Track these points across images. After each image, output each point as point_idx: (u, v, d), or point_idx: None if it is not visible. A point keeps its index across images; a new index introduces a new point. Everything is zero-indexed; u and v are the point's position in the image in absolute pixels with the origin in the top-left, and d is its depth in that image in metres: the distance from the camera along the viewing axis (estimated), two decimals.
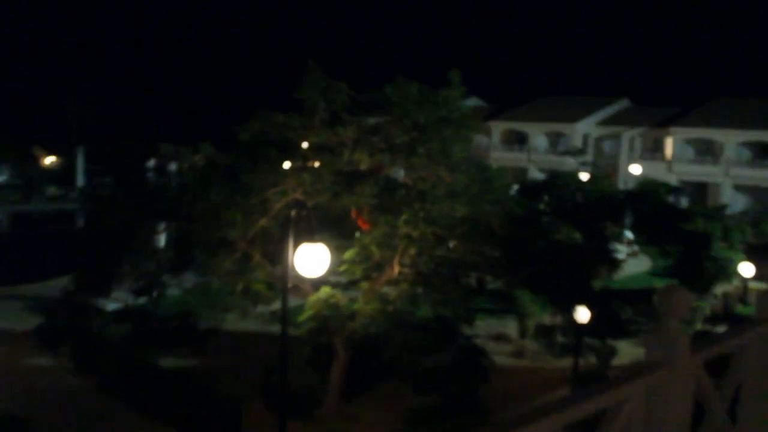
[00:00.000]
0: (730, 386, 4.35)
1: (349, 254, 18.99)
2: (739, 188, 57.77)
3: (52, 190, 63.67)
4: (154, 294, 27.63)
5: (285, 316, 13.96)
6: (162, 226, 26.35)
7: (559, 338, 25.75)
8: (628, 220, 32.80)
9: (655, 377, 3.48)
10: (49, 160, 74.83)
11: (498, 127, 67.69)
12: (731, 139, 57.85)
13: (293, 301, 16.76)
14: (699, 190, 57.24)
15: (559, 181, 33.31)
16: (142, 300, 28.22)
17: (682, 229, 31.12)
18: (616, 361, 23.47)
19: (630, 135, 63.55)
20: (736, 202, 55.65)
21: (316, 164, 19.31)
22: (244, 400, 19.37)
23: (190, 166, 22.63)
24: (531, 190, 34.28)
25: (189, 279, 27.14)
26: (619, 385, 3.30)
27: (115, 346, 23.66)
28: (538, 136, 67.42)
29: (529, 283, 25.32)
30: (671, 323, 3.63)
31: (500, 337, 27.38)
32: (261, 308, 22.89)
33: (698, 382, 3.82)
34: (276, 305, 21.50)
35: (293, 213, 15.49)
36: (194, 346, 24.41)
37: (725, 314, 29.69)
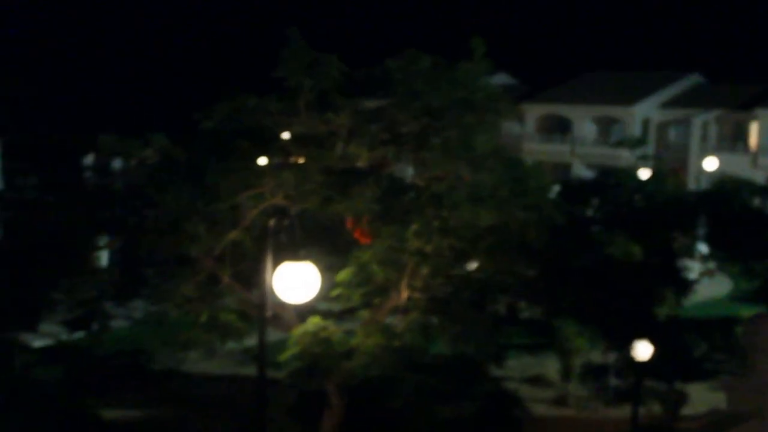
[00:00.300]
0: None
1: (344, 275, 19.05)
2: None
3: None
4: (94, 327, 27.60)
5: (262, 355, 13.99)
6: (104, 240, 26.37)
7: (613, 381, 25.74)
8: (701, 230, 32.77)
9: None
10: None
11: (534, 112, 67.80)
12: None
13: (273, 336, 16.75)
14: None
15: (612, 180, 33.32)
16: (78, 335, 28.21)
17: None
18: (687, 410, 23.47)
19: (703, 120, 63.52)
20: None
21: (301, 160, 19.34)
22: None
23: (139, 164, 22.69)
24: (576, 191, 34.25)
25: (139, 308, 27.12)
26: None
27: (43, 392, 23.64)
28: (584, 122, 67.47)
29: (575, 311, 25.33)
30: (761, 362, 3.65)
31: (537, 380, 27.46)
32: (231, 345, 22.89)
33: None
34: (251, 341, 21.45)
35: (272, 223, 15.52)
36: (146, 393, 24.43)
37: None
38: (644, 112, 65.53)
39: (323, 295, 16.65)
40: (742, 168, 54.58)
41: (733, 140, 61.92)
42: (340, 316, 20.83)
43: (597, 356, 27.23)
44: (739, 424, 22.25)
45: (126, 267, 24.05)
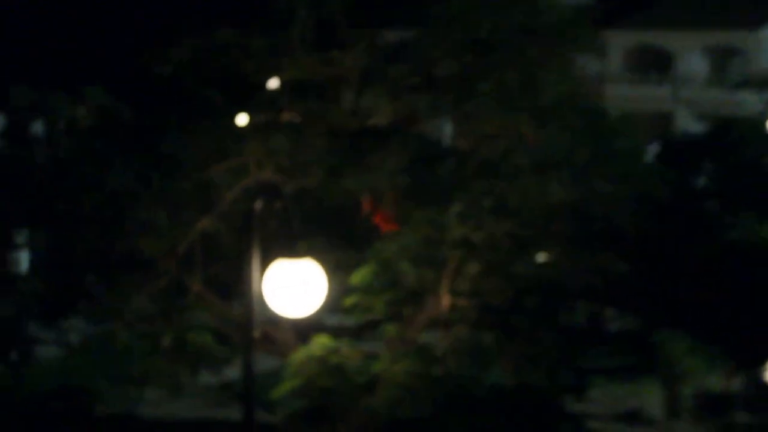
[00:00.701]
0: None
1: (361, 276, 19.12)
2: None
3: None
4: (13, 357, 27.76)
5: (250, 392, 13.97)
6: (22, 236, 26.46)
7: (741, 416, 25.72)
8: None
9: None
10: None
11: (620, 42, 67.52)
12: None
13: (264, 364, 16.76)
14: None
15: (732, 136, 33.14)
16: None
17: None
18: None
19: None
20: None
21: (297, 118, 19.35)
22: None
23: (69, 127, 22.71)
24: (682, 152, 34.12)
25: (75, 329, 27.24)
26: None
27: None
28: (691, 55, 67.20)
29: (684, 320, 25.29)
30: None
31: (633, 416, 27.40)
32: (205, 378, 22.96)
33: None
34: (232, 372, 21.54)
35: (258, 206, 15.51)
36: None
37: None
38: None
39: (333, 306, 16.67)
40: None
41: None
42: (357, 333, 20.83)
43: (717, 383, 27.14)
44: None
45: (55, 273, 24.11)
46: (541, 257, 19.85)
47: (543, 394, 21.23)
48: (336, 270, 15.93)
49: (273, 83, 19.98)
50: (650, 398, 27.83)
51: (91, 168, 20.02)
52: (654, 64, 68.68)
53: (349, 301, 19.23)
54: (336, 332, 19.71)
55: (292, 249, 12.79)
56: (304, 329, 18.87)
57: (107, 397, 25.66)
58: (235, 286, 17.62)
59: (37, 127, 40.09)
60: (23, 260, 28.10)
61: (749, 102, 54.92)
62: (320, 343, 18.91)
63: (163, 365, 20.42)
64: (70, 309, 25.03)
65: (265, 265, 13.03)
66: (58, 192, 21.48)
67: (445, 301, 19.20)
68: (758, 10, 65.66)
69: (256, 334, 14.44)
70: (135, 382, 22.80)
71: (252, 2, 19.77)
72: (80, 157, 20.95)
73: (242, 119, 19.54)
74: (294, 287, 12.58)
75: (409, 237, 18.97)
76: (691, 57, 67.56)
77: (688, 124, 60.27)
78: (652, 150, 34.37)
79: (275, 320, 16.78)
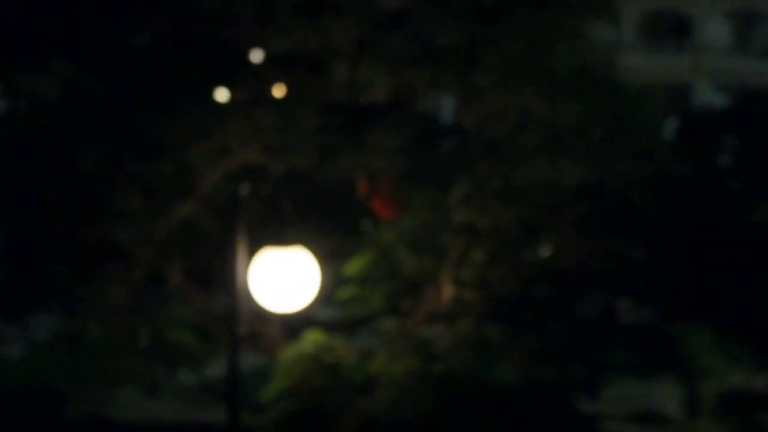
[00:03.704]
0: None
1: (356, 266, 19.23)
2: None
3: None
4: None
5: (234, 392, 14.10)
6: None
7: (766, 416, 25.84)
8: None
9: None
10: None
11: (635, 7, 67.61)
12: None
13: (251, 361, 16.88)
14: None
15: (759, 109, 33.22)
16: None
17: None
18: None
19: None
20: None
21: (284, 93, 19.41)
22: None
23: (31, 104, 22.72)
24: (703, 127, 34.20)
25: (41, 325, 27.32)
26: None
27: None
28: (711, 20, 67.31)
29: (706, 313, 25.39)
30: None
31: (649, 417, 27.52)
32: (186, 377, 23.05)
33: None
34: (215, 370, 21.66)
35: (243, 190, 15.63)
36: None
37: None
38: None
39: (326, 298, 16.76)
40: None
41: None
42: (353, 328, 20.93)
43: (741, 381, 27.28)
44: None
45: (18, 263, 24.15)
46: (552, 244, 19.95)
47: (553, 391, 21.38)
48: (329, 259, 15.99)
49: (258, 55, 20.03)
50: (668, 397, 27.93)
51: (58, 147, 20.02)
52: (672, 32, 68.82)
53: (344, 292, 19.34)
54: (329, 327, 19.80)
55: (280, 236, 12.94)
56: (294, 324, 18.95)
57: (77, 398, 25.71)
58: (219, 277, 17.72)
59: None
60: None
61: None
62: (312, 339, 19.01)
63: (139, 363, 20.55)
64: (35, 303, 25.11)
65: (251, 254, 13.19)
66: (20, 174, 21.46)
67: (448, 292, 19.31)
68: None
69: (242, 329, 14.60)
70: (107, 382, 22.88)
71: None
72: (45, 135, 20.92)
73: (223, 95, 19.56)
74: (283, 278, 12.72)
75: (408, 222, 19.09)
76: (712, 23, 67.70)
77: (709, 96, 60.46)
78: (671, 125, 34.49)
79: (262, 315, 16.93)
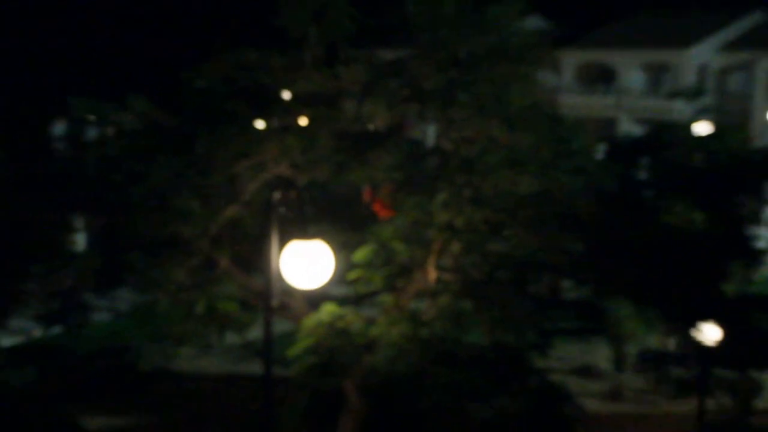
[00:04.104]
0: None
1: (362, 254, 19.02)
2: None
3: None
4: (72, 321, 27.69)
5: (268, 350, 13.92)
6: (80, 221, 26.37)
7: (675, 370, 25.67)
8: None
9: None
10: None
11: (572, 59, 67.39)
12: None
13: (280, 327, 16.71)
14: None
15: (667, 137, 33.10)
16: (53, 331, 28.30)
17: None
18: (763, 403, 23.35)
19: None
20: None
21: (308, 123, 19.24)
22: None
23: (118, 131, 22.61)
24: (625, 151, 34.10)
25: (123, 298, 27.20)
26: None
27: (14, 397, 23.72)
28: (631, 70, 67.05)
29: (628, 290, 25.25)
30: None
31: (586, 371, 27.41)
32: (232, 339, 22.90)
33: None
34: (254, 333, 21.48)
35: (275, 196, 15.43)
36: (133, 396, 24.44)
37: None
38: (701, 57, 64.93)
39: (338, 279, 16.64)
40: None
41: None
42: (359, 302, 20.77)
43: (655, 342, 27.11)
44: None
45: (108, 251, 24.05)
46: (511, 239, 19.79)
47: (513, 351, 21.22)
48: (341, 249, 15.92)
49: (288, 94, 19.92)
50: (600, 355, 27.79)
51: (136, 165, 19.95)
52: (600, 78, 68.65)
53: (352, 275, 19.16)
54: (341, 301, 19.66)
55: (304, 232, 12.79)
56: (314, 298, 18.78)
57: (148, 355, 25.60)
58: (257, 262, 17.61)
59: (91, 132, 40.07)
60: (81, 241, 28.04)
61: (679, 109, 54.85)
62: (328, 310, 18.84)
63: (196, 328, 20.37)
64: (119, 281, 24.99)
65: (282, 245, 13.02)
66: (109, 185, 21.45)
67: (432, 274, 19.14)
68: (687, 33, 65.62)
69: (275, 302, 14.42)
70: (172, 342, 22.75)
71: (271, 29, 19.69)
72: (127, 155, 20.90)
73: (261, 124, 19.48)
74: (306, 263, 12.59)
75: (401, 221, 18.95)
76: (631, 72, 67.51)
77: (629, 127, 60.33)
78: (601, 149, 34.39)
79: (290, 291, 16.74)
